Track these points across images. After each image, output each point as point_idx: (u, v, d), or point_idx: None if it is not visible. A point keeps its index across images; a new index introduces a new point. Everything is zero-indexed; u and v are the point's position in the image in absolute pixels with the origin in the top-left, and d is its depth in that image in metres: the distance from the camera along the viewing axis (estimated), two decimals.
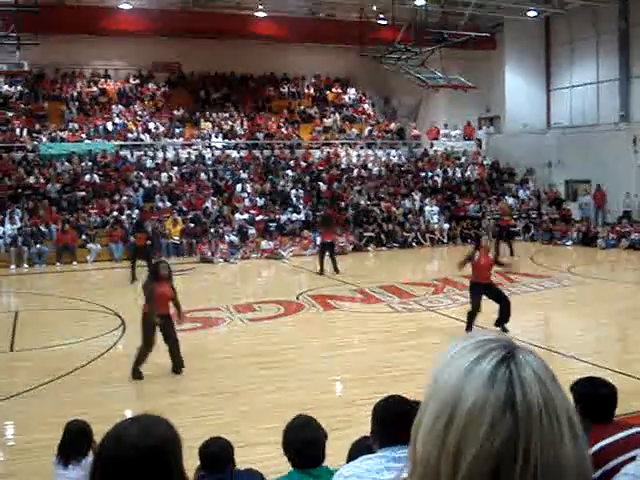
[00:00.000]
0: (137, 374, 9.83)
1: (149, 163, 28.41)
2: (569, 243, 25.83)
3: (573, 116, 31.63)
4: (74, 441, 5.21)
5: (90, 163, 27.27)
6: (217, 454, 4.53)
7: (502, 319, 12.15)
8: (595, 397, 3.79)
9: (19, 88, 31.02)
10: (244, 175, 28.75)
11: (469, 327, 11.98)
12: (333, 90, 37.22)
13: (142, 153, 28.94)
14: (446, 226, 27.44)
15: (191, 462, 4.79)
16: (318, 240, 24.02)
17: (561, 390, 1.02)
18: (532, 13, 30.73)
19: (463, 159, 32.76)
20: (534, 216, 28.74)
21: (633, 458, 2.41)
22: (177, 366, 10.07)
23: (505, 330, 12.06)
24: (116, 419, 1.86)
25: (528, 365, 1.00)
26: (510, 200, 29.48)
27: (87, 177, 26.45)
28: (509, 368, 0.99)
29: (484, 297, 12.11)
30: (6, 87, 30.79)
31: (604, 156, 27.20)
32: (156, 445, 1.67)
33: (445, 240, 27.07)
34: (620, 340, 12.67)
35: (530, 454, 0.94)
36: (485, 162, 32.78)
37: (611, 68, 29.42)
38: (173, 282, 10.41)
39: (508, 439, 0.95)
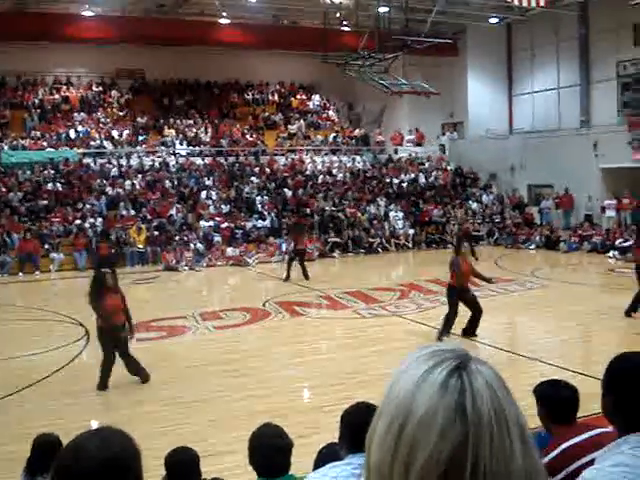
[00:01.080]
0: (103, 385, 9.73)
1: (113, 171, 28.17)
2: (532, 247, 26.12)
3: (535, 121, 32.00)
4: (42, 456, 5.14)
5: (52, 171, 26.95)
6: (183, 464, 4.50)
7: (470, 329, 12.24)
8: (557, 399, 3.84)
9: None
10: (209, 182, 28.64)
11: (446, 332, 12.03)
12: (297, 97, 37.26)
13: (105, 161, 28.69)
14: (411, 231, 27.58)
15: (158, 472, 4.77)
16: (284, 247, 24.05)
17: (513, 400, 1.04)
18: (494, 20, 31.05)
19: (427, 164, 32.99)
20: (497, 220, 29.02)
21: (593, 460, 2.44)
22: (142, 377, 10.01)
23: (474, 336, 12.16)
24: (81, 430, 1.85)
25: (480, 375, 1.02)
26: (474, 205, 29.76)
27: (49, 185, 26.14)
28: (461, 377, 1.01)
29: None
30: None
31: (566, 161, 27.57)
32: (115, 458, 1.66)
33: (410, 245, 27.21)
34: (583, 342, 12.84)
35: (479, 462, 0.96)
36: (449, 167, 33.04)
37: (571, 74, 29.84)
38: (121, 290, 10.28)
39: (457, 447, 0.96)
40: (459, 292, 12.16)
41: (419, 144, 34.36)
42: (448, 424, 0.97)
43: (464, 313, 12.29)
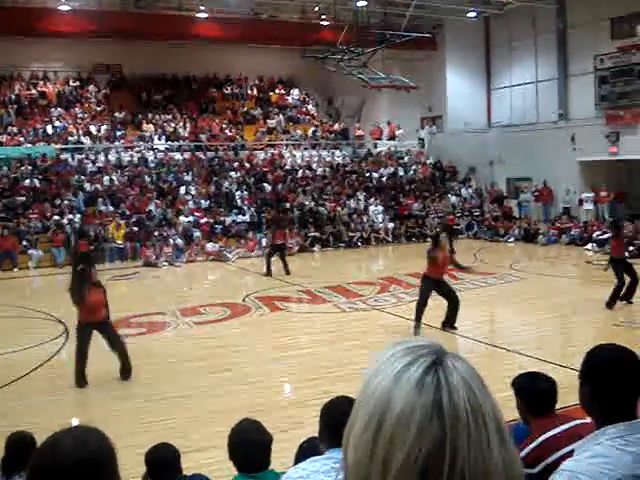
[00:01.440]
0: (81, 381, 9.67)
1: (90, 166, 27.97)
2: (511, 240, 26.26)
3: (513, 115, 32.14)
4: (16, 454, 5.09)
5: (30, 167, 26.70)
6: (163, 460, 4.48)
7: (449, 321, 12.29)
8: (535, 391, 3.86)
9: None
10: (188, 177, 28.51)
11: (418, 319, 12.07)
12: (276, 91, 37.15)
13: (83, 156, 28.47)
14: (391, 225, 27.63)
15: (139, 469, 4.76)
16: (264, 242, 24.01)
17: (489, 395, 1.04)
18: (471, 14, 31.14)
19: (406, 158, 33.05)
20: (477, 214, 29.16)
21: (572, 452, 2.46)
22: (124, 372, 9.95)
23: (454, 328, 12.22)
24: (61, 428, 1.84)
25: (456, 371, 1.02)
26: (453, 198, 29.88)
27: (27, 182, 25.89)
28: (437, 374, 1.01)
29: (434, 293, 12.24)
30: None
31: (544, 154, 27.75)
32: (90, 457, 1.66)
33: (390, 239, 27.27)
34: (561, 334, 12.93)
35: (457, 458, 0.96)
36: (428, 161, 33.13)
37: (549, 67, 30.00)
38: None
39: (435, 445, 0.96)
40: (435, 283, 12.19)
41: (392, 137, 34.42)
42: (426, 421, 0.97)
43: (443, 306, 12.34)
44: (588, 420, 2.95)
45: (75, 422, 8.31)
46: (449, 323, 12.31)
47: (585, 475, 2.23)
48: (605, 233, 22.33)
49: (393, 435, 0.98)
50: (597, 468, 2.23)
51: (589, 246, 23.09)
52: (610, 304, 13.55)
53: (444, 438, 0.96)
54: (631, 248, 20.81)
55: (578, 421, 3.59)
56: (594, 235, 23.40)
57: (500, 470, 1.00)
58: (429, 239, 21.69)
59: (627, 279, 13.70)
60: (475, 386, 1.02)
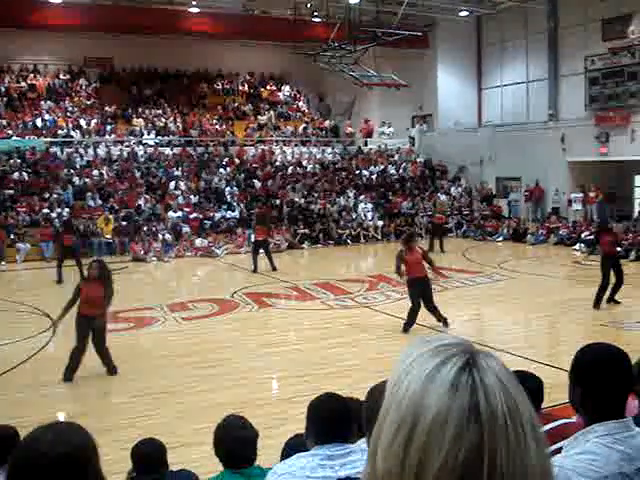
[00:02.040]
0: (69, 376, 9.64)
1: (80, 160, 27.86)
2: (500, 239, 26.34)
3: (504, 115, 32.19)
4: None
5: (19, 160, 26.56)
6: (150, 455, 4.47)
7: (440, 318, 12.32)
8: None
9: None
10: (177, 172, 28.44)
11: (408, 325, 12.09)
12: (267, 87, 37.10)
13: (73, 150, 28.33)
14: (380, 223, 27.65)
15: (124, 465, 4.75)
16: (252, 238, 23.99)
17: (523, 395, 0.99)
18: (464, 13, 31.16)
19: (397, 157, 33.08)
20: (466, 213, 29.24)
21: (560, 449, 2.47)
22: (109, 370, 9.94)
23: (446, 325, 12.25)
24: (48, 422, 1.83)
25: (491, 371, 0.97)
26: (443, 197, 29.93)
27: (16, 175, 25.76)
28: (472, 375, 0.95)
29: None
30: None
31: (534, 154, 27.83)
32: (71, 452, 1.65)
33: (379, 237, 27.30)
34: (549, 333, 13.00)
35: (496, 464, 0.91)
36: (418, 160, 33.16)
37: (540, 68, 30.05)
38: (110, 282, 10.17)
39: (473, 450, 0.91)
40: (410, 282, 12.19)
41: (369, 135, 34.46)
42: (462, 426, 0.92)
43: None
44: (573, 419, 2.97)
45: (60, 417, 8.29)
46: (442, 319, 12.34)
47: (573, 471, 2.24)
48: (593, 234, 22.40)
49: (427, 442, 0.92)
50: (585, 465, 2.24)
51: (577, 246, 23.17)
52: (596, 304, 13.61)
53: (482, 443, 0.91)
54: (619, 249, 20.93)
55: (564, 420, 3.61)
56: (582, 235, 23.49)
57: (538, 472, 0.95)
58: (419, 237, 21.77)
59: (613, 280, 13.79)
60: (511, 387, 0.97)
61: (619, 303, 13.87)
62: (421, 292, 12.17)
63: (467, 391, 0.94)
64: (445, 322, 12.30)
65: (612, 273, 13.74)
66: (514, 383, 0.99)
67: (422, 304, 12.18)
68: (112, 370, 9.91)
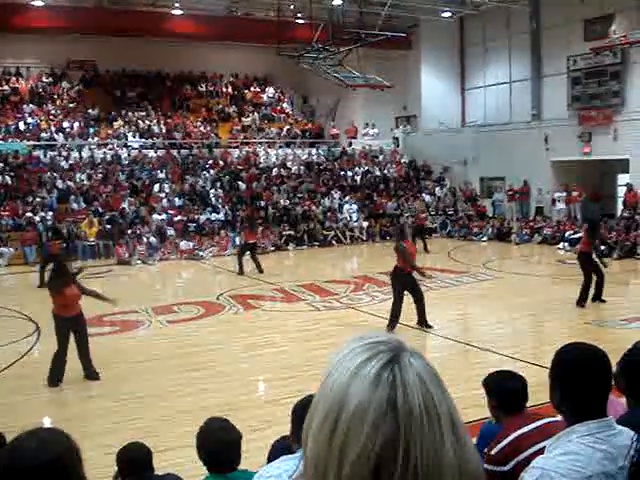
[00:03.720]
0: (54, 381, 9.58)
1: (63, 163, 27.72)
2: (484, 239, 26.43)
3: (487, 115, 32.30)
4: None
5: (1, 164, 26.39)
6: (135, 459, 4.44)
7: (422, 320, 12.34)
8: (506, 390, 3.90)
9: None
10: (162, 175, 28.36)
11: (394, 322, 12.07)
12: (251, 89, 37.10)
13: (56, 153, 28.19)
14: (365, 224, 27.69)
15: (109, 470, 4.72)
16: (237, 240, 23.94)
17: (445, 392, 1.05)
18: (446, 14, 31.27)
19: (381, 157, 33.13)
20: (450, 213, 29.32)
21: (543, 449, 2.48)
22: (89, 374, 9.86)
23: (430, 327, 12.26)
24: (32, 427, 1.82)
25: (412, 368, 1.03)
26: (427, 197, 30.00)
27: None
28: (393, 371, 1.01)
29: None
30: None
31: (517, 154, 27.97)
32: (54, 458, 1.65)
33: (364, 238, 27.34)
34: (534, 332, 13.03)
35: (410, 455, 0.97)
36: (403, 160, 33.23)
37: (523, 68, 30.18)
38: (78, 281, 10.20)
39: (389, 441, 0.97)
40: (396, 276, 12.21)
41: (354, 137, 34.53)
42: (380, 418, 0.98)
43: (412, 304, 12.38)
44: (559, 418, 2.97)
45: (45, 422, 8.24)
46: (423, 321, 12.35)
47: (556, 472, 2.24)
48: (577, 232, 22.52)
49: (348, 430, 0.99)
50: (568, 465, 2.25)
51: (561, 245, 23.29)
52: (580, 302, 13.68)
53: (397, 435, 0.97)
54: (602, 247, 21.05)
55: (549, 419, 3.62)
56: (566, 234, 23.60)
57: (454, 468, 1.00)
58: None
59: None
60: (431, 384, 1.03)
61: (605, 301, 13.93)
62: (409, 286, 12.17)
63: (387, 386, 1.00)
64: (427, 325, 12.32)
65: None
66: (435, 381, 1.05)
67: (413, 300, 12.21)
68: (95, 374, 9.85)
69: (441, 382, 1.06)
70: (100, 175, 27.39)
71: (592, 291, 13.88)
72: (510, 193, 28.99)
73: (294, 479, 2.82)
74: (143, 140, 30.76)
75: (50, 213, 24.44)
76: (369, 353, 1.04)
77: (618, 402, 3.48)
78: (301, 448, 3.17)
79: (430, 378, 1.04)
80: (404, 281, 12.18)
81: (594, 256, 13.95)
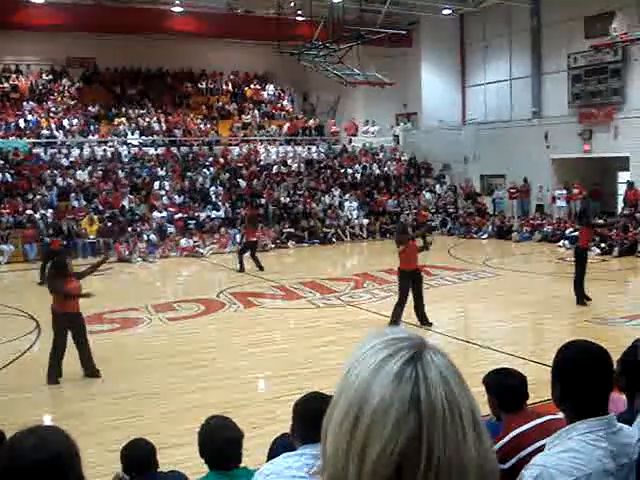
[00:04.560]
0: (53, 378, 9.58)
1: (63, 161, 27.70)
2: (485, 236, 26.42)
3: (487, 112, 32.28)
4: None
5: (2, 162, 26.39)
6: (140, 457, 4.43)
7: (423, 318, 12.33)
8: (505, 387, 3.90)
9: None
10: (162, 172, 28.34)
11: (395, 321, 12.07)
12: (252, 86, 37.05)
13: (56, 151, 28.19)
14: (365, 221, 27.69)
15: (110, 467, 4.72)
16: (238, 238, 23.94)
17: (467, 390, 1.04)
18: (447, 11, 31.25)
19: (381, 155, 33.11)
20: (451, 210, 29.31)
21: (543, 447, 2.48)
22: (90, 372, 9.86)
23: (430, 324, 12.26)
24: (32, 425, 1.82)
25: (434, 365, 1.02)
26: (427, 195, 30.00)
27: None
28: (415, 368, 1.01)
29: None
30: None
31: (518, 151, 27.95)
32: (52, 457, 1.65)
33: (365, 235, 27.33)
34: (534, 330, 13.04)
35: (433, 453, 0.96)
36: (403, 158, 33.21)
37: (523, 65, 30.16)
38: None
39: (411, 438, 0.96)
40: (403, 274, 12.22)
41: (354, 134, 34.50)
42: (402, 415, 0.98)
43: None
44: (560, 415, 2.97)
45: (45, 419, 8.25)
46: (423, 319, 12.35)
47: (556, 470, 2.24)
48: (577, 230, 22.50)
49: (370, 427, 0.98)
50: (568, 463, 2.25)
51: (561, 243, 23.28)
52: (579, 300, 13.71)
53: (420, 432, 0.97)
54: (602, 245, 21.06)
55: (549, 416, 3.62)
56: (567, 232, 23.60)
57: (475, 465, 1.00)
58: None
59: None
60: (453, 381, 1.02)
61: (590, 300, 13.96)
62: (412, 285, 12.18)
63: (409, 383, 1.00)
64: (428, 323, 12.33)
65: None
66: (457, 378, 1.04)
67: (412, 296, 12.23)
68: (96, 372, 9.85)
69: (462, 379, 1.06)
70: (100, 172, 27.38)
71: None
72: (513, 190, 28.96)
73: (313, 473, 2.84)
74: (143, 137, 30.74)
75: (50, 211, 24.44)
76: (391, 349, 1.04)
77: (620, 399, 3.48)
78: (301, 445, 3.18)
79: (452, 375, 1.03)
80: (408, 281, 12.19)
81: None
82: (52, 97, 31.94)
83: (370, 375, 1.02)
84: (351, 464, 0.99)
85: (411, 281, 12.21)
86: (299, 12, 29.55)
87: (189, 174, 28.50)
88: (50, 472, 1.63)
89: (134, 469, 4.41)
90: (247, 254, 19.82)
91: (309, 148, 32.64)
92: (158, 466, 4.55)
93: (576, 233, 21.64)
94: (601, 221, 22.01)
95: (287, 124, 34.32)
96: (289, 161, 31.14)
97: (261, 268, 19.57)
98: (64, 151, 28.28)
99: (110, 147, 29.28)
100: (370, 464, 0.97)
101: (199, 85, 35.65)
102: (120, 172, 27.72)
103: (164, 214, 25.64)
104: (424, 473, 0.96)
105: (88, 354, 9.84)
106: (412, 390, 0.99)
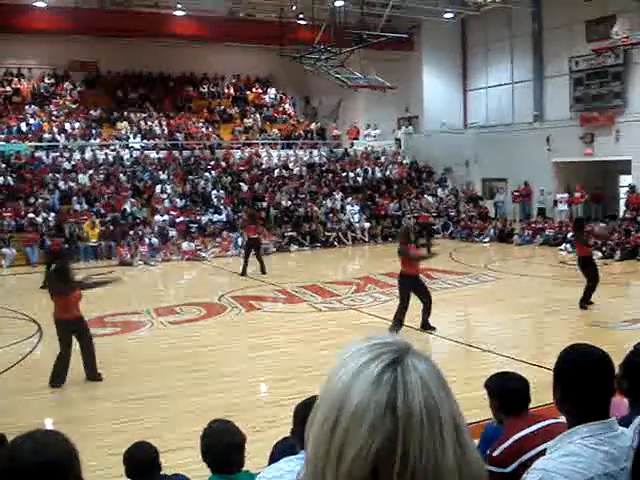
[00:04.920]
0: (56, 382, 9.58)
1: (65, 164, 27.73)
2: (486, 240, 26.39)
3: (489, 116, 32.31)
4: None
5: (4, 165, 26.42)
6: (143, 460, 4.43)
7: (426, 322, 12.32)
8: (507, 391, 3.89)
9: None
10: (164, 176, 28.36)
11: (397, 324, 12.06)
12: (253, 90, 37.11)
13: (58, 154, 28.20)
14: (367, 225, 27.68)
15: (112, 470, 4.72)
16: (239, 241, 23.93)
17: (449, 396, 1.04)
18: (448, 15, 31.28)
19: (383, 158, 33.12)
20: (452, 214, 29.30)
21: (545, 451, 2.48)
22: (92, 376, 9.86)
23: (433, 328, 12.24)
24: (34, 429, 1.82)
25: (415, 370, 1.02)
26: (429, 199, 29.99)
27: (0, 179, 25.63)
28: (395, 372, 1.01)
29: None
30: None
31: (519, 155, 27.96)
32: (51, 460, 1.65)
33: (366, 239, 27.32)
34: (536, 334, 13.03)
35: (409, 457, 0.97)
36: (404, 161, 33.22)
37: (525, 69, 30.20)
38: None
39: (386, 442, 0.97)
40: (404, 279, 12.22)
41: (355, 138, 34.52)
42: (378, 418, 0.98)
43: (416, 306, 12.35)
44: (562, 419, 2.97)
45: (47, 423, 8.24)
46: (426, 323, 12.33)
47: (558, 474, 2.24)
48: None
49: (347, 430, 0.99)
50: (570, 467, 2.25)
51: (563, 246, 23.25)
52: (582, 304, 13.69)
53: (396, 437, 0.97)
54: (604, 249, 21.04)
55: (551, 420, 3.62)
56: (568, 235, 23.56)
57: (454, 471, 1.00)
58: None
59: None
60: (433, 387, 1.02)
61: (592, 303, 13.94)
62: (416, 290, 12.18)
63: (387, 387, 1.00)
64: (429, 327, 12.31)
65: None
66: (439, 384, 1.04)
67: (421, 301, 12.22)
68: (98, 376, 9.85)
69: (446, 385, 1.05)
70: (102, 176, 27.41)
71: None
72: (516, 194, 28.94)
73: (299, 479, 2.84)
74: (145, 141, 30.77)
75: (52, 214, 24.45)
76: (373, 354, 1.04)
77: (622, 403, 3.48)
78: (303, 449, 3.18)
79: (434, 381, 1.03)
80: (409, 285, 12.19)
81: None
82: (54, 101, 31.99)
83: (350, 379, 1.02)
84: (328, 467, 1.00)
85: (412, 286, 12.20)
86: (301, 16, 29.60)
87: (191, 177, 28.52)
88: (49, 475, 1.64)
89: (137, 472, 4.40)
90: (252, 257, 19.70)
91: (311, 152, 32.65)
92: (161, 469, 4.55)
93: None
94: (600, 225, 22.00)
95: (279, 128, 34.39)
96: (291, 165, 31.16)
97: (264, 271, 19.55)
98: (66, 155, 28.29)
99: (112, 151, 29.32)
100: (346, 465, 0.98)
101: (201, 89, 35.70)
102: (122, 175, 27.75)
103: (166, 217, 25.64)
104: (399, 476, 0.96)
105: (92, 358, 9.83)
106: (389, 394, 1.00)
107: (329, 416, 1.02)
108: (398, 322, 12.09)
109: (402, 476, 0.96)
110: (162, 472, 4.61)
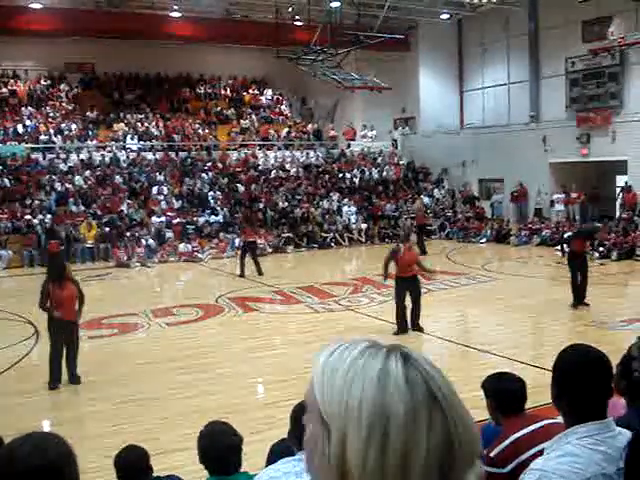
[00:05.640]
0: (53, 383, 9.57)
1: (62, 166, 27.69)
2: (483, 241, 26.39)
3: (485, 117, 32.34)
4: None
5: (0, 167, 26.38)
6: (133, 462, 4.42)
7: (413, 321, 12.35)
8: (504, 391, 3.89)
9: None
10: (160, 177, 28.34)
11: (402, 327, 12.09)
12: (250, 91, 37.09)
13: (54, 156, 28.17)
14: (364, 226, 27.68)
15: (109, 472, 4.71)
16: (237, 242, 23.91)
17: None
18: (445, 16, 31.31)
19: (379, 159, 33.13)
20: (449, 215, 29.30)
21: (543, 451, 2.48)
22: (74, 380, 9.83)
23: (421, 330, 12.27)
24: (32, 430, 1.82)
25: (421, 360, 1.04)
26: (426, 199, 29.99)
27: None
28: (416, 368, 1.02)
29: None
30: None
31: (516, 155, 27.97)
32: (49, 463, 1.64)
33: (363, 240, 27.31)
34: (533, 334, 13.04)
35: (460, 437, 1.00)
36: (401, 162, 33.24)
37: (521, 70, 30.23)
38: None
39: (443, 433, 0.99)
40: (398, 281, 12.24)
41: (352, 139, 34.55)
42: (429, 415, 0.99)
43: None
44: (559, 419, 2.97)
45: (44, 425, 8.23)
46: (416, 324, 12.34)
47: (555, 474, 2.24)
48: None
49: (405, 441, 0.97)
50: (567, 467, 2.25)
51: (560, 247, 23.24)
52: (577, 303, 13.73)
53: (448, 424, 0.99)
54: (601, 249, 21.06)
55: (549, 420, 3.62)
56: (565, 236, 23.56)
57: (479, 437, 1.06)
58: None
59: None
60: (433, 366, 1.05)
61: (588, 305, 13.96)
62: (408, 291, 12.20)
63: (420, 383, 1.01)
64: (419, 328, 12.33)
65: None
66: (430, 362, 1.06)
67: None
68: (77, 380, 9.83)
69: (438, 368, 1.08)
70: (99, 177, 27.37)
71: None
72: (516, 194, 28.94)
73: None
74: (142, 142, 30.73)
75: (49, 216, 24.41)
76: (380, 356, 1.03)
77: (619, 403, 3.47)
78: (300, 450, 3.16)
79: (427, 360, 1.06)
80: (402, 286, 12.21)
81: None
82: (50, 102, 31.96)
83: (378, 386, 0.99)
84: (392, 477, 0.97)
85: (407, 288, 12.22)
86: (297, 17, 29.59)
87: (187, 179, 28.50)
88: (47, 478, 1.63)
89: (128, 476, 4.39)
90: (248, 258, 19.73)
91: (307, 153, 32.65)
92: (152, 471, 4.55)
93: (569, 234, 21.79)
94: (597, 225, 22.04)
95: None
96: (287, 166, 31.15)
97: (260, 273, 19.54)
98: (62, 156, 28.25)
99: (108, 152, 29.28)
100: (417, 471, 0.97)
101: (197, 90, 35.68)
102: (118, 177, 27.72)
103: (162, 219, 25.62)
104: (464, 455, 1.00)
105: (74, 361, 9.80)
106: (426, 389, 1.00)
107: (373, 434, 0.97)
108: (398, 324, 12.12)
109: (460, 453, 0.99)
110: (157, 474, 4.61)
